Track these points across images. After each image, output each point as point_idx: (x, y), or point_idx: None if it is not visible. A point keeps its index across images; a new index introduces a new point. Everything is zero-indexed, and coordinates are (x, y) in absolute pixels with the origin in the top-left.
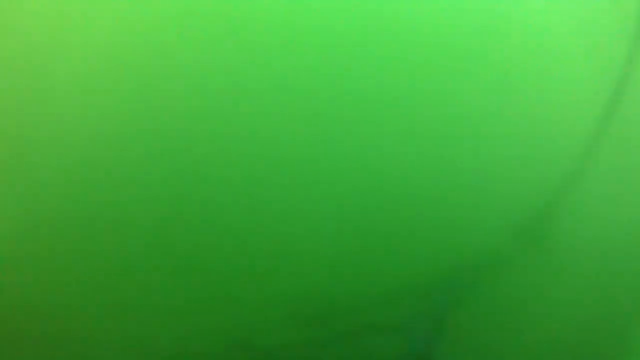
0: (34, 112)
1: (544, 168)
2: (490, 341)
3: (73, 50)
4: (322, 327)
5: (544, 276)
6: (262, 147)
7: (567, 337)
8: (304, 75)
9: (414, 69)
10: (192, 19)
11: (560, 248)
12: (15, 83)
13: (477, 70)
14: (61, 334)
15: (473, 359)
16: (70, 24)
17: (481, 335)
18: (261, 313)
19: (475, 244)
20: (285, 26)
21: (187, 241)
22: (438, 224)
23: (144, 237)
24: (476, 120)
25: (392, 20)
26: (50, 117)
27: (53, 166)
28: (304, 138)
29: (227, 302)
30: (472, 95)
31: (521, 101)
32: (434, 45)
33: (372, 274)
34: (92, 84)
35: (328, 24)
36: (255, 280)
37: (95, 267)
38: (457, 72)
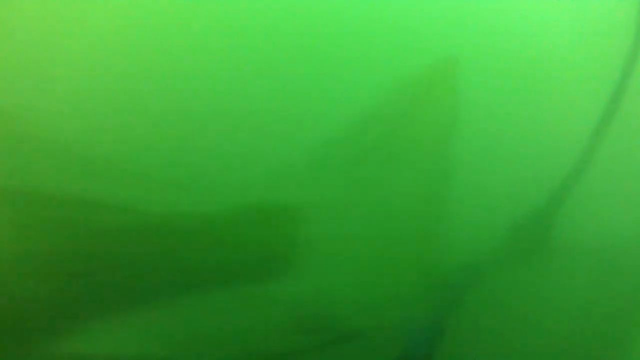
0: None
1: (544, 168)
2: (490, 341)
3: (74, 49)
4: (324, 329)
5: (544, 276)
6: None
7: (566, 337)
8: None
9: (417, 70)
10: None
11: (560, 248)
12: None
13: (477, 71)
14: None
15: (473, 359)
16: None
17: (481, 335)
18: (268, 317)
19: (475, 244)
20: None
21: (198, 253)
22: (438, 225)
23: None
24: (476, 121)
25: (397, 28)
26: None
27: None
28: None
29: (236, 309)
30: (471, 96)
31: (521, 102)
32: (438, 48)
33: (372, 274)
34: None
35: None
36: (259, 283)
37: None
38: (459, 73)
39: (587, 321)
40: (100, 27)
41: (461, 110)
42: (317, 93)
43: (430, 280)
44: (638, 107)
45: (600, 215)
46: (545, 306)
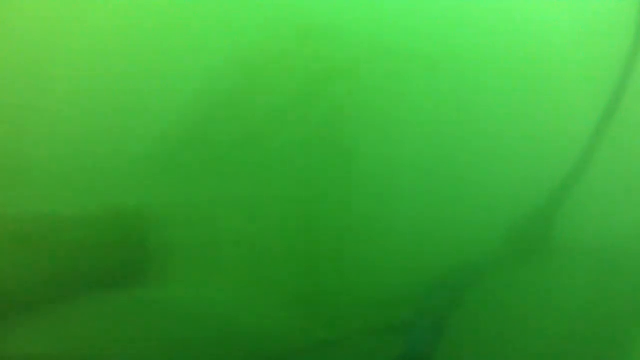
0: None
1: (544, 168)
2: (490, 341)
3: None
4: (324, 329)
5: (544, 276)
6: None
7: (566, 337)
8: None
9: (419, 69)
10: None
11: (560, 248)
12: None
13: (478, 71)
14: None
15: (473, 359)
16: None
17: (481, 335)
18: (268, 316)
19: (475, 244)
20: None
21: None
22: (438, 225)
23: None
24: (476, 121)
25: (399, 30)
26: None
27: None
28: (304, 138)
29: (236, 310)
30: (472, 95)
31: (521, 102)
32: (438, 48)
33: (372, 274)
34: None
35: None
36: (260, 283)
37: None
38: (459, 73)
39: (587, 321)
40: (100, 26)
41: (461, 110)
42: (156, 88)
43: (430, 280)
44: (638, 107)
45: (600, 215)
46: (545, 306)
